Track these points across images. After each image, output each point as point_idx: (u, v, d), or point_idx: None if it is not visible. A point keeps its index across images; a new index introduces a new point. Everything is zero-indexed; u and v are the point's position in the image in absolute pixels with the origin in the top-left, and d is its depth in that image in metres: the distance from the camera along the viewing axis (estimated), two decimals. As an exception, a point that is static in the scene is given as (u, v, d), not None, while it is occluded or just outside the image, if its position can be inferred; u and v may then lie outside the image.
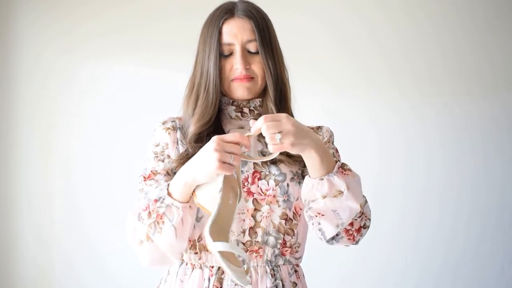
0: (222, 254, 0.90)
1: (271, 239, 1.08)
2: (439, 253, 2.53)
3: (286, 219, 1.08)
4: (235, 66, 1.08)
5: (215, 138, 0.93)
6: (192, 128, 1.09)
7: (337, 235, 1.06)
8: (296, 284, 1.11)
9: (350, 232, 1.05)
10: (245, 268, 0.95)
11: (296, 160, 1.10)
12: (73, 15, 2.56)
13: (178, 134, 1.12)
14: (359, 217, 1.04)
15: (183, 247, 1.02)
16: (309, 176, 1.02)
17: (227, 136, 0.94)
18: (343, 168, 1.03)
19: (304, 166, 1.09)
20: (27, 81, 2.56)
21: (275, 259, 1.08)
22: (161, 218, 0.97)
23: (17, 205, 2.53)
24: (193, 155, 1.05)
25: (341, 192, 1.00)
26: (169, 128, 1.13)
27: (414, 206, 2.55)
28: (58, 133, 2.55)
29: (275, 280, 1.07)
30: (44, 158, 2.55)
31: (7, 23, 2.55)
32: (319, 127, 1.21)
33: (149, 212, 0.98)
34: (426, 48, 2.58)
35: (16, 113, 2.55)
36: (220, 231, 0.93)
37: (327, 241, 1.08)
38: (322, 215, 1.02)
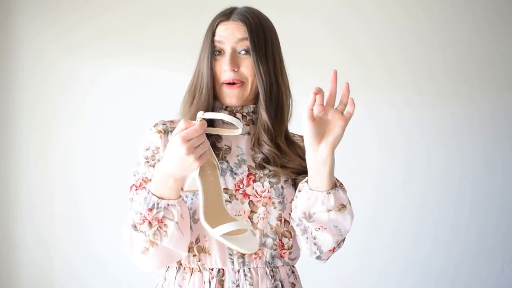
0: (225, 236, 0.91)
1: (269, 241, 1.07)
2: (439, 253, 2.53)
3: (282, 221, 1.08)
4: (224, 67, 1.07)
5: (179, 141, 0.90)
6: None
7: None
8: (295, 285, 1.11)
9: None
10: (252, 231, 0.96)
11: (288, 172, 1.10)
12: (73, 15, 2.56)
13: (169, 137, 1.10)
14: None
15: (189, 239, 1.02)
16: (311, 189, 1.02)
17: (188, 130, 0.90)
18: (340, 182, 1.07)
19: (297, 174, 1.10)
20: (27, 81, 2.55)
21: (273, 260, 1.08)
22: (162, 222, 0.97)
23: (17, 205, 2.53)
24: None
25: (344, 206, 1.02)
26: (160, 131, 1.11)
27: (414, 206, 2.55)
28: (58, 133, 2.55)
29: (275, 281, 1.07)
30: (44, 158, 2.54)
31: (7, 23, 2.55)
32: None
33: (149, 222, 0.96)
34: (426, 48, 2.57)
35: (16, 113, 2.55)
36: (215, 213, 0.94)
37: (318, 256, 1.08)
38: (325, 228, 1.02)
